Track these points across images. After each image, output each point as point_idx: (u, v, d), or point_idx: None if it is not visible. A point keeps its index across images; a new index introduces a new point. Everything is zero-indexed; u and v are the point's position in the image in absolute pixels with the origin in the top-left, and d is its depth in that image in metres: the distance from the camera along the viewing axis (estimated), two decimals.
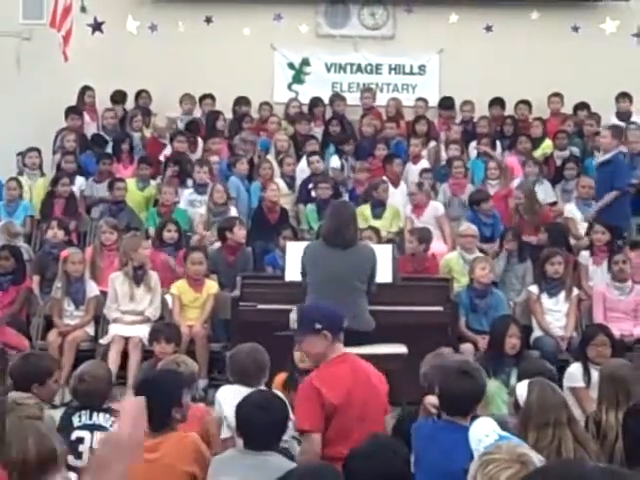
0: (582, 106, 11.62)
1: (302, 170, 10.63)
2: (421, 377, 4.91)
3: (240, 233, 8.68)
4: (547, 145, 11.10)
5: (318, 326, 4.61)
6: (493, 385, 6.49)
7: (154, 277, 8.17)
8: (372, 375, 4.65)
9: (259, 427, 4.13)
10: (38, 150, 10.60)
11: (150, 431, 4.38)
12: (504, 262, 8.55)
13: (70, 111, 11.35)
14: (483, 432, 3.68)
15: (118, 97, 11.88)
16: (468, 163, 10.67)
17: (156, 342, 6.77)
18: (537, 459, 3.02)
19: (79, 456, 4.73)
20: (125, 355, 7.72)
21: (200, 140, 11.23)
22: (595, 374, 6.18)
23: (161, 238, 8.87)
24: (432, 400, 4.42)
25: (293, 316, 4.73)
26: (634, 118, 11.30)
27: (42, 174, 10.60)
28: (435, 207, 9.57)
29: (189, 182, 10.23)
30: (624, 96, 11.42)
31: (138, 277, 8.09)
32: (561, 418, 4.11)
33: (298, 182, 10.48)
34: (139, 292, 8.09)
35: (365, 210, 9.52)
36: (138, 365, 7.53)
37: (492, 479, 2.81)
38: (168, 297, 8.22)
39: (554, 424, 4.08)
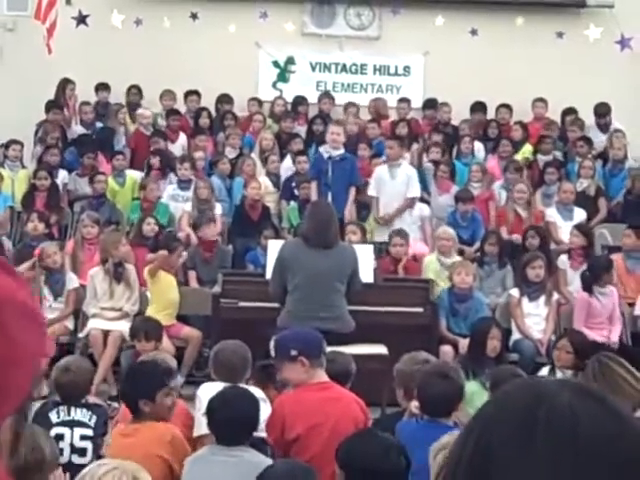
0: (569, 111, 11.64)
1: (287, 168, 10.63)
2: (395, 372, 4.88)
3: (209, 232, 8.69)
4: (527, 149, 11.14)
5: (294, 353, 4.59)
6: (473, 386, 6.52)
7: (132, 272, 8.14)
8: (350, 407, 4.54)
9: (226, 423, 4.12)
10: (21, 143, 10.54)
11: (132, 419, 4.41)
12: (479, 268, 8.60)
13: (51, 105, 11.28)
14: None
15: (102, 88, 11.81)
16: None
17: (136, 340, 6.77)
18: None
19: (60, 453, 4.70)
20: None
21: (183, 135, 11.23)
22: (559, 376, 6.27)
23: (141, 233, 8.85)
24: (417, 404, 4.43)
25: (272, 344, 4.75)
26: (618, 125, 11.35)
27: (23, 166, 10.55)
28: (421, 208, 9.58)
29: (172, 177, 10.22)
30: (601, 106, 11.42)
31: (118, 274, 8.04)
32: None
33: (283, 180, 10.49)
34: (119, 289, 8.05)
35: (352, 206, 9.55)
36: (111, 360, 7.53)
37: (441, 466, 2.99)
38: (148, 293, 8.19)
39: None
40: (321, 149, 9.55)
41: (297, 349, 4.60)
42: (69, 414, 4.85)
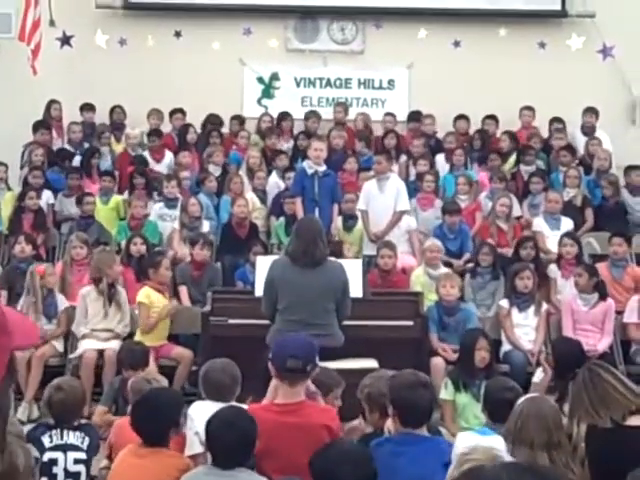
0: (554, 120, 11.70)
1: (272, 185, 10.65)
2: (365, 397, 4.79)
3: (201, 253, 8.68)
4: (511, 161, 11.16)
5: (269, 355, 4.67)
6: (464, 399, 6.54)
7: (123, 294, 8.13)
8: (312, 433, 4.33)
9: (226, 444, 4.06)
10: (5, 165, 10.53)
11: (143, 444, 4.40)
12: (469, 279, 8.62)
13: (39, 125, 11.27)
14: (466, 445, 3.73)
15: (87, 108, 11.81)
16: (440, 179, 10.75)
17: (124, 369, 6.75)
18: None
19: (54, 478, 4.69)
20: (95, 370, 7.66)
21: (170, 154, 11.23)
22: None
23: (129, 253, 8.84)
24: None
25: None
26: (598, 133, 11.44)
27: (9, 188, 10.54)
28: (408, 221, 9.58)
29: (156, 196, 10.24)
30: (590, 111, 11.56)
31: (111, 295, 8.03)
32: (539, 440, 4.05)
33: (269, 196, 10.51)
34: (111, 310, 8.03)
35: (337, 222, 9.56)
36: (112, 377, 7.49)
37: None
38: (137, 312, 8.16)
39: (530, 445, 4.04)
40: (304, 165, 9.55)
41: (271, 352, 4.68)
42: (62, 438, 4.81)
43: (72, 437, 4.83)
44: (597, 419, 4.16)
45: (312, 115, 12.05)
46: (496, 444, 4.17)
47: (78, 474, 4.76)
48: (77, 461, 4.77)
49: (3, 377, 1.11)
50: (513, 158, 11.16)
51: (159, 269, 8.03)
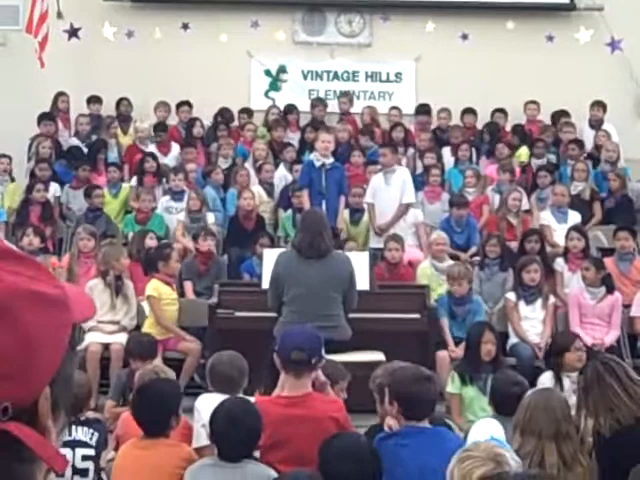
0: (561, 113, 11.69)
1: (280, 177, 10.65)
2: (376, 387, 4.78)
3: (204, 244, 8.69)
4: (522, 153, 11.17)
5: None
6: (471, 392, 6.54)
7: (130, 287, 8.14)
8: (320, 425, 4.32)
9: (231, 440, 4.06)
10: (9, 157, 10.55)
11: (145, 435, 4.40)
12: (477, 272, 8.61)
13: (43, 117, 11.28)
14: (482, 435, 3.75)
15: (94, 100, 11.82)
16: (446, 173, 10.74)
17: (132, 360, 6.76)
18: (514, 461, 3.07)
19: (61, 474, 4.67)
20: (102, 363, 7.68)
21: (177, 146, 11.23)
22: (567, 381, 6.28)
23: (139, 248, 8.83)
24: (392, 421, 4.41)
25: None
26: (605, 126, 11.42)
27: (12, 180, 10.56)
28: (415, 214, 9.58)
29: (164, 186, 10.25)
30: (598, 104, 11.54)
31: (118, 287, 8.05)
32: (548, 431, 4.07)
33: (276, 189, 10.51)
34: (118, 302, 8.04)
35: (344, 214, 9.56)
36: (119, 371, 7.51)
37: (467, 474, 2.97)
38: (144, 304, 8.18)
39: (539, 435, 4.05)
40: (312, 157, 9.54)
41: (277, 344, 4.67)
42: (70, 434, 4.76)
43: (81, 433, 4.81)
44: (596, 424, 4.19)
45: (319, 103, 12.04)
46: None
47: (86, 471, 4.75)
48: (85, 458, 4.76)
49: (67, 350, 1.16)
50: (524, 150, 11.14)
51: (169, 261, 8.04)
